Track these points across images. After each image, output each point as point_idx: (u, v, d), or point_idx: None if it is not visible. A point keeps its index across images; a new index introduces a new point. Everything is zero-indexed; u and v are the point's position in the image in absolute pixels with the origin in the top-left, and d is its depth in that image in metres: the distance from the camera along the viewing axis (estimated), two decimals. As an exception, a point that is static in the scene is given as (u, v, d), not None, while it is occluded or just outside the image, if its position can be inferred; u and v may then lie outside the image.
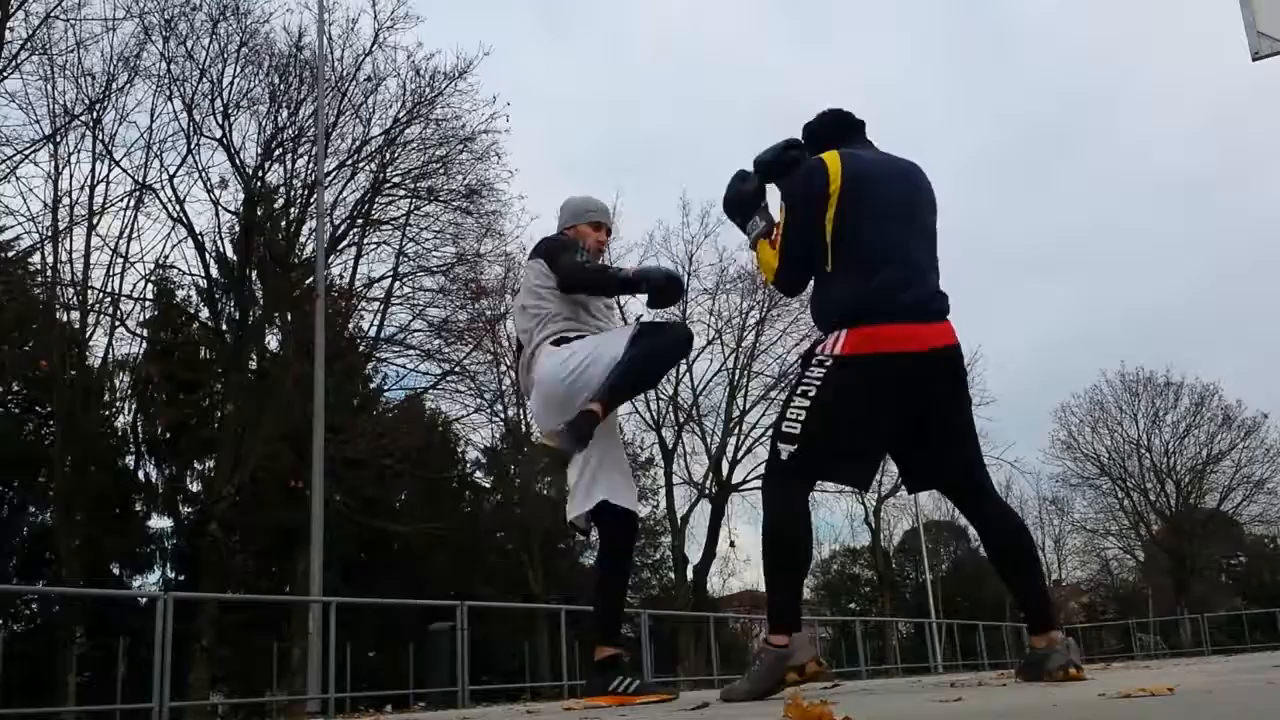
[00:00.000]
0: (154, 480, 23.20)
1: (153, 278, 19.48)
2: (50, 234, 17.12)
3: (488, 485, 28.71)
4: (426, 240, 20.12)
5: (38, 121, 16.94)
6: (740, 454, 25.95)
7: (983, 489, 3.15)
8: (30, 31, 16.42)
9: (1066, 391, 50.58)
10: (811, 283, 3.20)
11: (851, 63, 55.69)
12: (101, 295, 17.89)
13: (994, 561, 3.27)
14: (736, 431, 26.03)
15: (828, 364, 2.96)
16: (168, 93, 17.85)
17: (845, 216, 2.99)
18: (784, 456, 2.96)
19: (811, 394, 2.95)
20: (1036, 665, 2.92)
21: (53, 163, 17.17)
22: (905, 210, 3.11)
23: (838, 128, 3.31)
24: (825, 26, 55.76)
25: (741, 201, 3.35)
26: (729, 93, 52.93)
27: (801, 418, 2.95)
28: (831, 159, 3.07)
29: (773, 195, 3.35)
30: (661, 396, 26.06)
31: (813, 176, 3.06)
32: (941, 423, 3.06)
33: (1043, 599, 3.12)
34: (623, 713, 2.89)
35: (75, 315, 17.68)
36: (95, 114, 17.42)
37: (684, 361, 25.40)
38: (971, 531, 36.48)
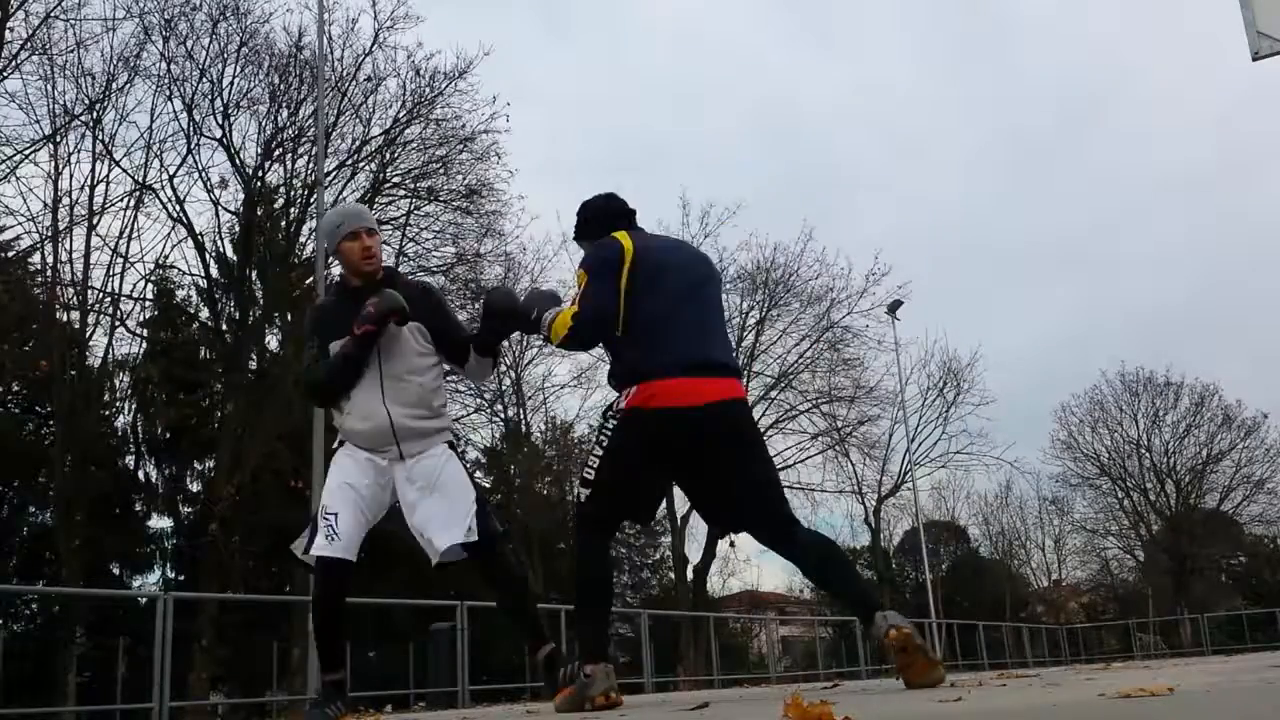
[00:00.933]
0: (154, 480, 23.22)
1: (153, 278, 19.51)
2: (50, 234, 17.14)
3: (488, 485, 28.71)
4: (426, 240, 20.16)
5: (38, 121, 16.98)
6: (740, 454, 25.95)
7: (787, 529, 3.38)
8: (30, 31, 16.47)
9: (1066, 391, 50.69)
10: (609, 351, 3.50)
11: (852, 62, 55.74)
12: (101, 295, 17.90)
13: (816, 579, 3.62)
14: (736, 431, 26.02)
15: (617, 418, 3.28)
16: (168, 93, 17.89)
17: (636, 284, 3.30)
18: (583, 500, 3.34)
19: (605, 444, 3.29)
20: (876, 640, 3.18)
21: (53, 163, 17.20)
22: (688, 281, 3.42)
23: (614, 215, 3.66)
24: (825, 26, 55.78)
25: (542, 306, 3.57)
26: (729, 92, 52.96)
27: (596, 465, 3.30)
28: (622, 236, 3.43)
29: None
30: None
31: (607, 247, 3.40)
32: (727, 474, 3.31)
33: (865, 592, 3.42)
34: (623, 712, 2.89)
35: (75, 315, 17.70)
36: (95, 114, 17.44)
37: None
38: (972, 531, 36.44)
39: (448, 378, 4.56)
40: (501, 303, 3.84)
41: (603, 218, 3.67)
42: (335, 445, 3.74)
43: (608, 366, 3.52)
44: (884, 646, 3.11)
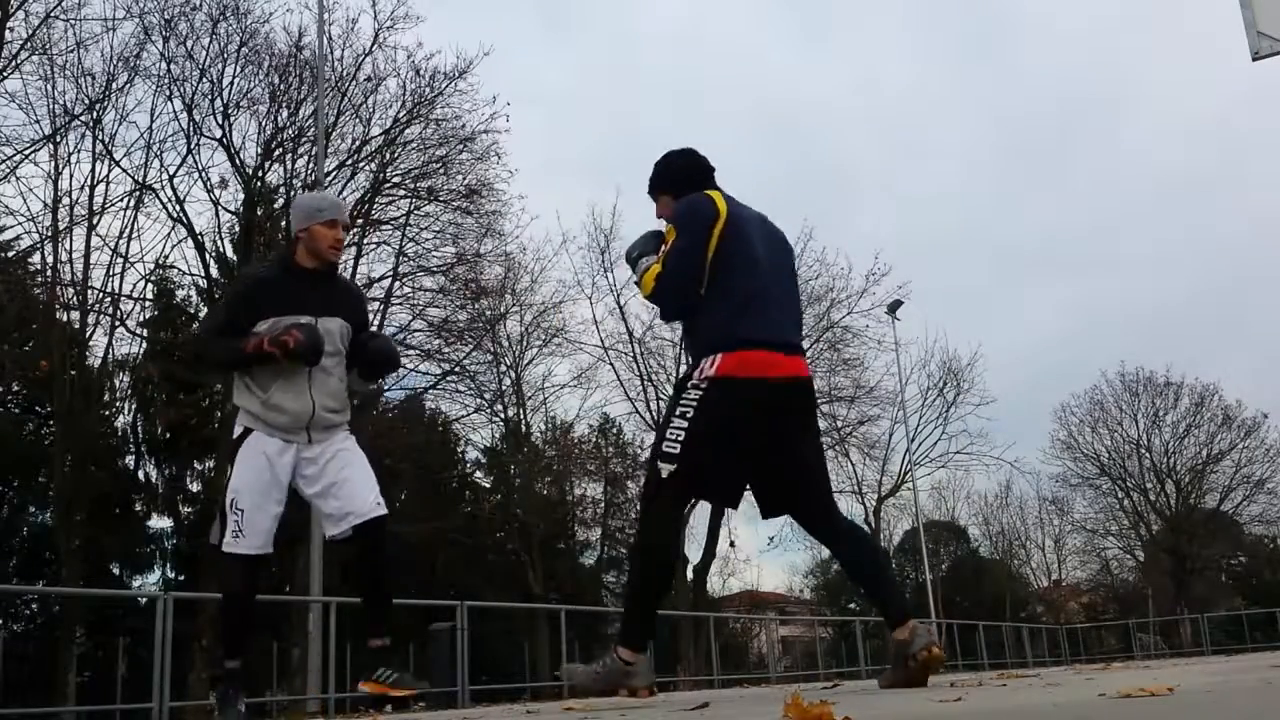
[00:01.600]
0: (154, 480, 23.22)
1: (153, 278, 19.50)
2: (50, 234, 17.13)
3: (488, 485, 28.72)
4: (426, 240, 20.12)
5: (38, 121, 16.96)
6: (740, 454, 25.96)
7: (831, 514, 3.37)
8: (30, 31, 16.44)
9: (1066, 391, 50.57)
10: (686, 320, 3.42)
11: (852, 61, 55.74)
12: (101, 295, 17.89)
13: (852, 573, 3.50)
14: (736, 431, 26.02)
15: (703, 386, 3.14)
16: (168, 93, 17.86)
17: (726, 247, 3.20)
18: (664, 475, 3.13)
19: (689, 415, 3.13)
20: (903, 653, 3.09)
21: (53, 163, 17.19)
22: (775, 255, 3.38)
23: (698, 170, 3.57)
24: (826, 25, 55.78)
25: (643, 249, 3.48)
26: (729, 92, 52.95)
27: (680, 438, 3.12)
28: (716, 196, 3.33)
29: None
30: (662, 397, 26.06)
31: (701, 205, 3.29)
32: (794, 451, 3.26)
33: (899, 596, 3.35)
34: (623, 712, 2.89)
35: (75, 315, 17.69)
36: (95, 114, 17.43)
37: (684, 361, 25.44)
38: (972, 531, 36.39)
39: None
40: (382, 350, 3.98)
41: (687, 172, 3.56)
42: (239, 432, 3.74)
43: (682, 330, 3.45)
44: (909, 655, 3.03)
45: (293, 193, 19.15)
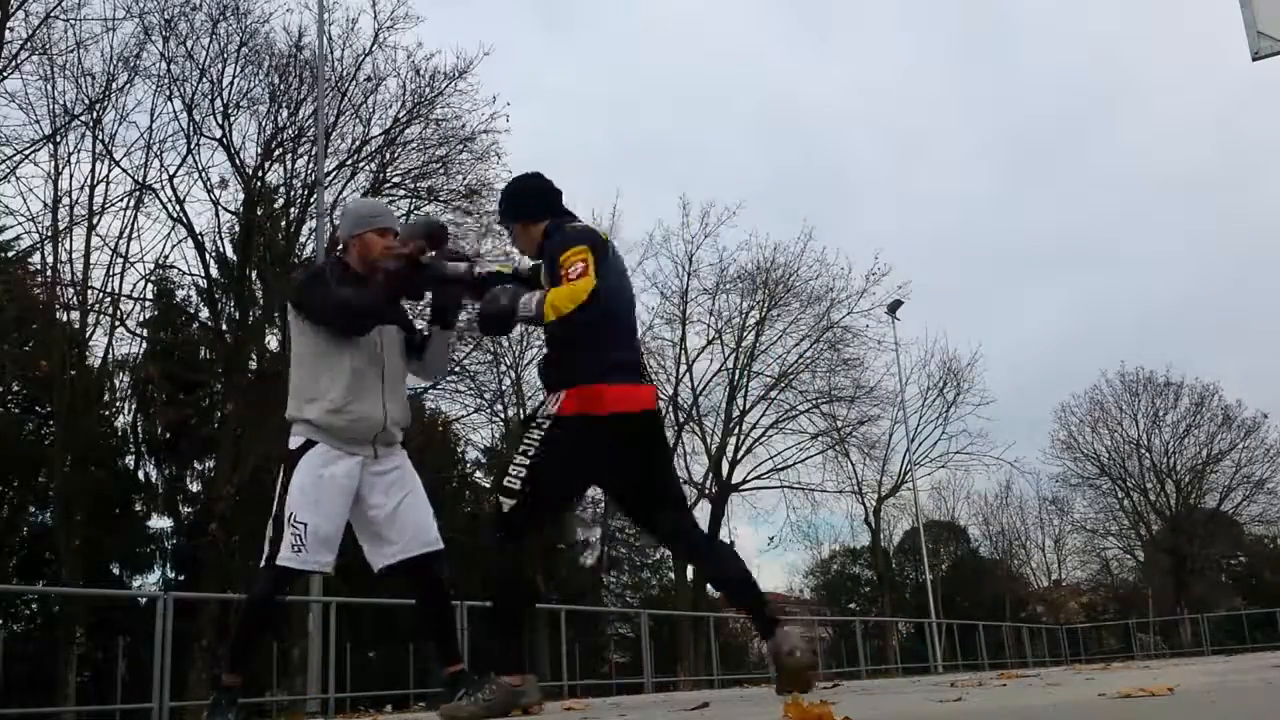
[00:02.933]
0: (154, 480, 23.21)
1: (153, 278, 19.49)
2: (50, 234, 17.13)
3: (488, 485, 28.71)
4: (426, 240, 20.12)
5: (38, 121, 16.95)
6: (740, 454, 25.97)
7: (688, 530, 3.43)
8: (30, 31, 16.43)
9: (1066, 391, 50.62)
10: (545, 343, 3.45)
11: (852, 61, 55.74)
12: (101, 295, 17.88)
13: (712, 576, 3.68)
14: (736, 431, 26.03)
15: (544, 425, 3.18)
16: (168, 93, 17.86)
17: (607, 279, 3.16)
18: (505, 510, 3.21)
19: (530, 454, 3.19)
20: (774, 661, 3.26)
21: (53, 163, 17.18)
22: (628, 282, 3.46)
23: (554, 194, 3.55)
24: (825, 25, 55.78)
25: (505, 311, 3.30)
26: (729, 91, 52.95)
27: (521, 474, 3.19)
28: (595, 227, 3.43)
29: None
30: (661, 397, 26.07)
31: (594, 233, 3.29)
32: (651, 473, 3.31)
33: (764, 604, 3.42)
34: (623, 712, 2.89)
35: (75, 315, 17.68)
36: (95, 114, 17.42)
37: (684, 362, 25.42)
38: (972, 531, 36.39)
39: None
40: (437, 269, 3.64)
41: (544, 197, 3.52)
42: (298, 444, 3.57)
43: (540, 360, 3.41)
44: (781, 663, 3.15)
45: (293, 193, 19.16)
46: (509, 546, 3.28)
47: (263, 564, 3.48)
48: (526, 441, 3.23)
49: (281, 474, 3.53)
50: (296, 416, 3.58)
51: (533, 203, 3.52)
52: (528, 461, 3.19)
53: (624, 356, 3.25)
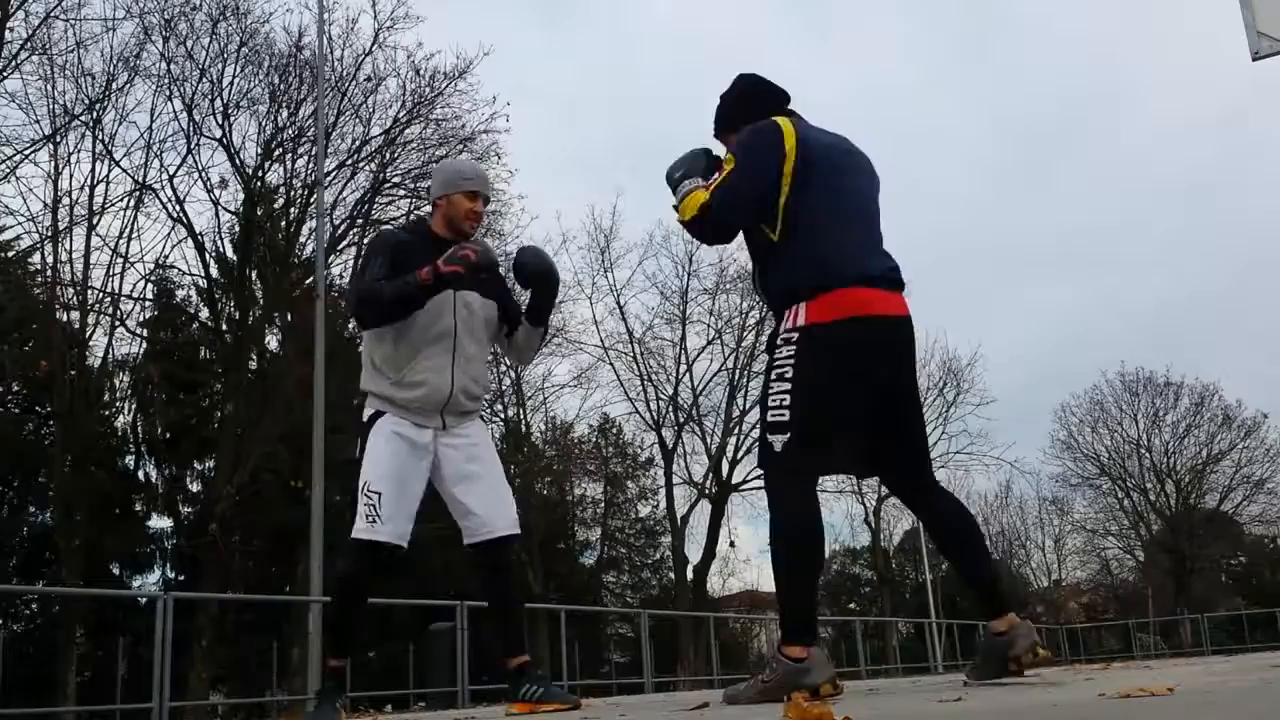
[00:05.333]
0: (154, 480, 23.22)
1: (153, 278, 19.52)
2: (50, 234, 17.14)
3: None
4: (426, 240, 20.14)
5: (38, 121, 16.98)
6: (740, 454, 25.98)
7: (929, 476, 3.03)
8: (30, 31, 16.45)
9: (1066, 391, 50.53)
10: (758, 267, 3.03)
11: (852, 60, 55.71)
12: (101, 295, 17.90)
13: (946, 549, 3.11)
14: (736, 431, 26.05)
15: (794, 339, 2.77)
16: (168, 93, 17.89)
17: (798, 180, 2.82)
18: (778, 449, 2.73)
19: (788, 375, 2.75)
20: (1000, 651, 2.79)
21: (53, 163, 17.21)
22: (855, 181, 3.00)
23: (766, 98, 3.13)
24: (825, 23, 55.79)
25: (688, 170, 3.08)
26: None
27: (786, 402, 2.72)
28: (783, 122, 2.91)
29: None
30: (662, 397, 26.08)
31: (763, 133, 2.89)
32: (901, 400, 2.91)
33: (999, 582, 2.97)
34: (623, 712, 2.89)
35: (75, 315, 17.70)
36: (95, 114, 17.45)
37: (684, 362, 25.41)
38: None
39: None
40: (535, 264, 3.52)
41: (752, 102, 3.11)
42: (369, 414, 3.47)
43: (757, 275, 2.99)
44: (1010, 658, 2.75)
45: (293, 193, 19.17)
46: (794, 491, 2.75)
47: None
48: (778, 365, 2.78)
49: (358, 447, 3.45)
50: (366, 388, 3.48)
51: (732, 111, 3.15)
52: (788, 385, 2.74)
53: (861, 262, 2.84)
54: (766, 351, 2.87)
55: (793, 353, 2.75)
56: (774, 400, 2.76)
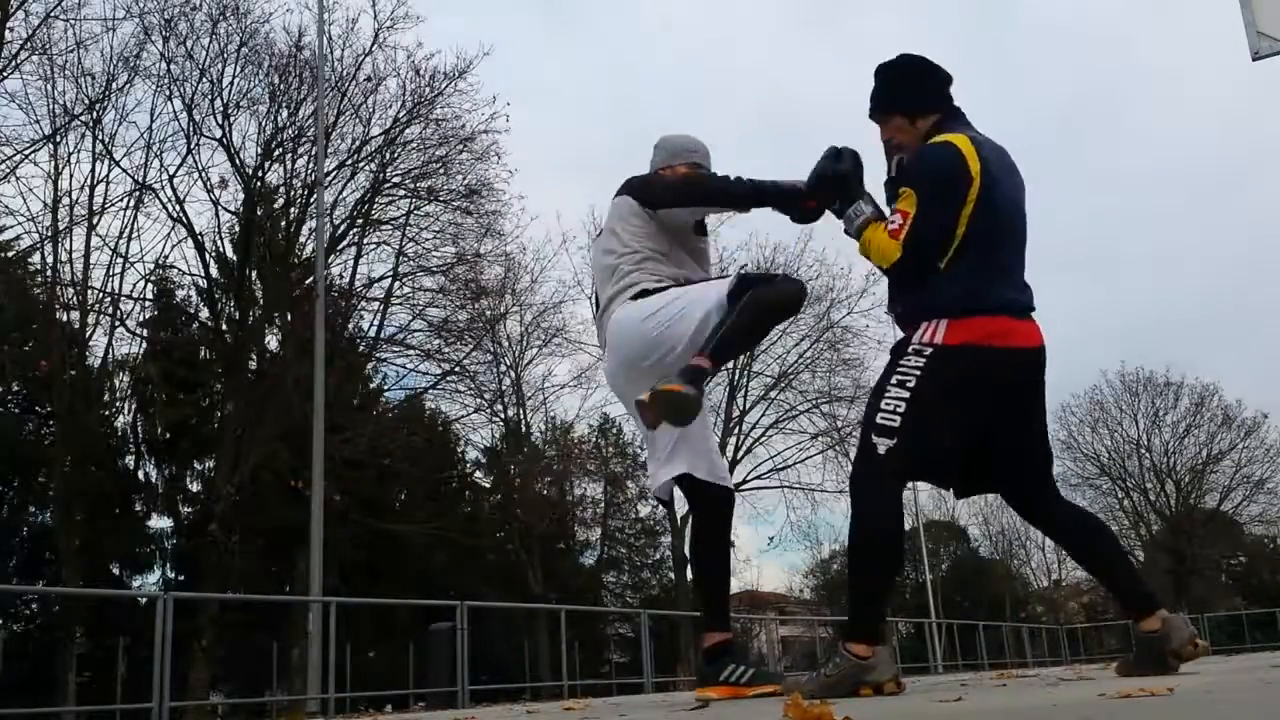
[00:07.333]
0: (154, 480, 23.23)
1: (153, 278, 19.51)
2: (50, 234, 17.14)
3: (488, 485, 28.72)
4: (426, 240, 20.14)
5: (38, 121, 16.97)
6: (740, 454, 25.96)
7: (1053, 490, 3.07)
8: (30, 31, 16.45)
9: (1066, 391, 50.53)
10: (903, 283, 2.98)
11: (853, 60, 55.72)
12: (101, 295, 17.90)
13: (1081, 559, 3.16)
14: (736, 431, 26.03)
15: (927, 353, 2.75)
16: (168, 93, 17.87)
17: (978, 208, 2.75)
18: (881, 451, 2.72)
19: (910, 384, 2.73)
20: (1157, 647, 2.76)
21: (53, 163, 17.20)
22: (1016, 199, 2.93)
23: (941, 84, 2.98)
24: (826, 25, 55.79)
25: (842, 180, 3.03)
26: (730, 90, 52.96)
27: (900, 409, 2.72)
28: (964, 144, 2.80)
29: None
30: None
31: (949, 163, 2.79)
32: (1027, 426, 2.94)
33: (1140, 581, 2.96)
34: (623, 712, 2.89)
35: (75, 315, 17.69)
36: (95, 114, 17.44)
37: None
38: (972, 531, 36.31)
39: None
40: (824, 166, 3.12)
41: (925, 86, 2.98)
42: None
43: (897, 289, 2.94)
44: (1170, 651, 2.71)
45: (293, 193, 19.17)
46: (884, 494, 2.75)
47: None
48: (902, 372, 2.77)
49: None
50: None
51: (902, 93, 3.00)
52: (907, 395, 2.73)
53: (1011, 288, 2.84)
54: (891, 353, 2.86)
55: (921, 365, 2.75)
56: (888, 404, 2.76)
